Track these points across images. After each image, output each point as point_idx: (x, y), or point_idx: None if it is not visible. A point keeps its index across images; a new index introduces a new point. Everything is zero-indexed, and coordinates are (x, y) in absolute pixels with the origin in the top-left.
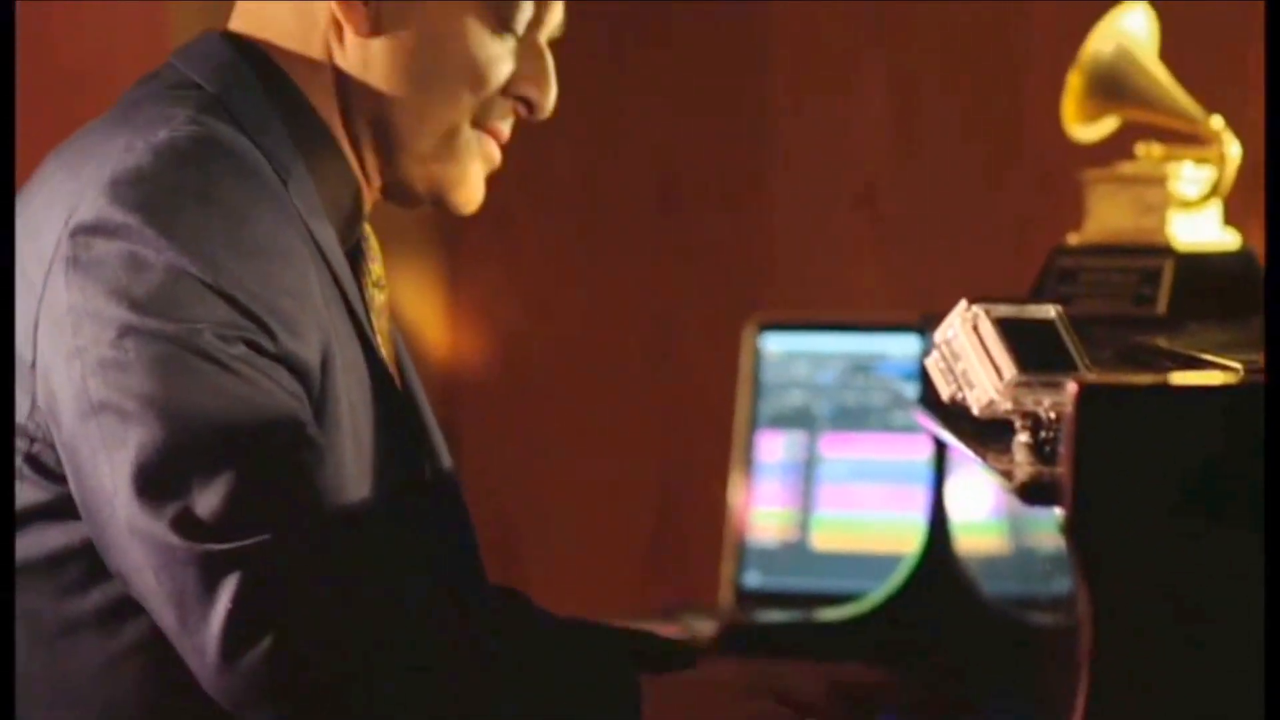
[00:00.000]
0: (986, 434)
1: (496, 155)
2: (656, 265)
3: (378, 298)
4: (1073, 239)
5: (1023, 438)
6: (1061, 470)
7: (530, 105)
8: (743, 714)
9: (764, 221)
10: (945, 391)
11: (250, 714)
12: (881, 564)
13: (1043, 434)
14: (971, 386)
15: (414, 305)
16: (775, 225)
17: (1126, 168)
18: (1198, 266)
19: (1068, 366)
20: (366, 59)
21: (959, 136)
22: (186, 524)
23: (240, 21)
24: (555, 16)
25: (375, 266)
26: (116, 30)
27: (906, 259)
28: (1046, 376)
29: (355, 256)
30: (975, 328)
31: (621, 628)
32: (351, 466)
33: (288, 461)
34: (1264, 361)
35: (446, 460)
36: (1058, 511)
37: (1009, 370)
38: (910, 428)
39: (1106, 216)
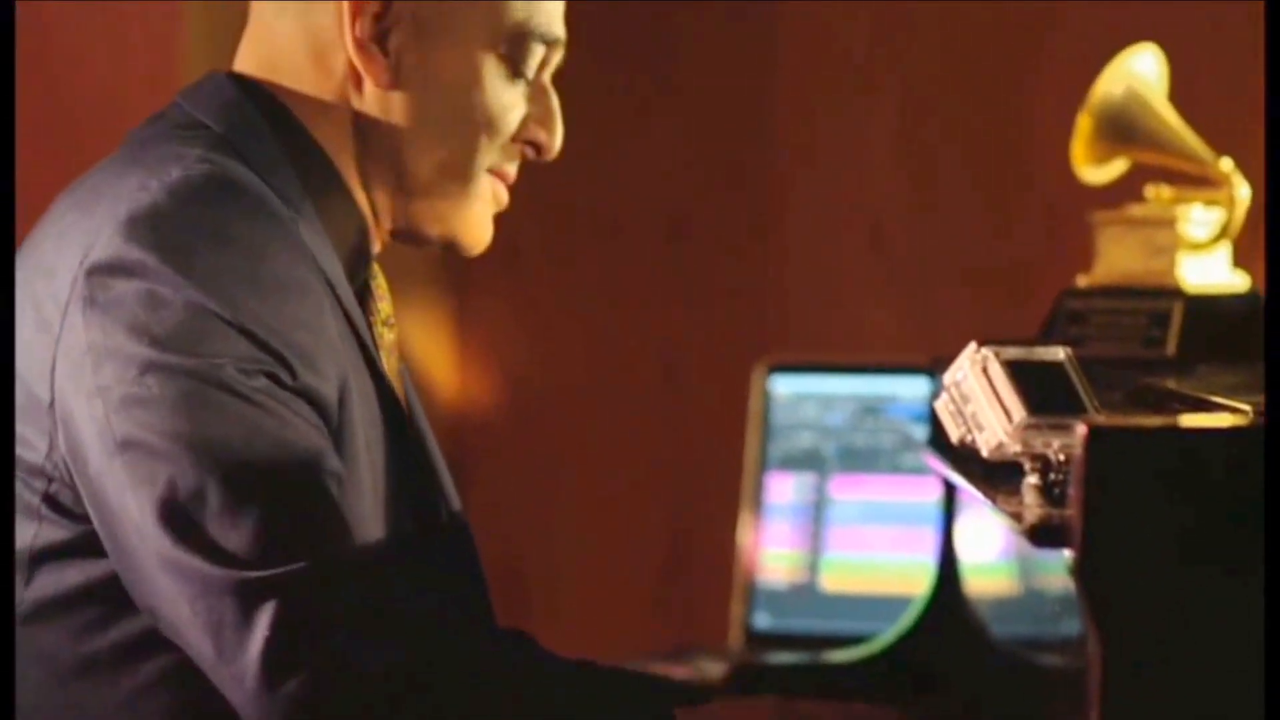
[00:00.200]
0: (996, 476)
1: (504, 196)
2: (665, 306)
3: (386, 336)
4: (1082, 281)
5: (1032, 480)
6: (1071, 512)
7: (538, 147)
8: None
9: (773, 263)
10: (954, 434)
11: None
12: (891, 606)
13: (1052, 476)
14: (981, 429)
15: (422, 344)
16: (784, 267)
17: (1136, 210)
18: (1207, 308)
19: (1077, 409)
20: (386, 108)
21: (968, 178)
22: (221, 554)
23: (248, 63)
24: (558, 57)
25: (384, 305)
26: (124, 68)
27: (916, 300)
28: (1056, 419)
29: (363, 295)
30: (984, 370)
31: (632, 670)
32: (369, 500)
33: (315, 491)
34: (1266, 393)
35: (455, 499)
36: (1067, 553)
37: (1018, 413)
38: (919, 470)
39: (1116, 258)
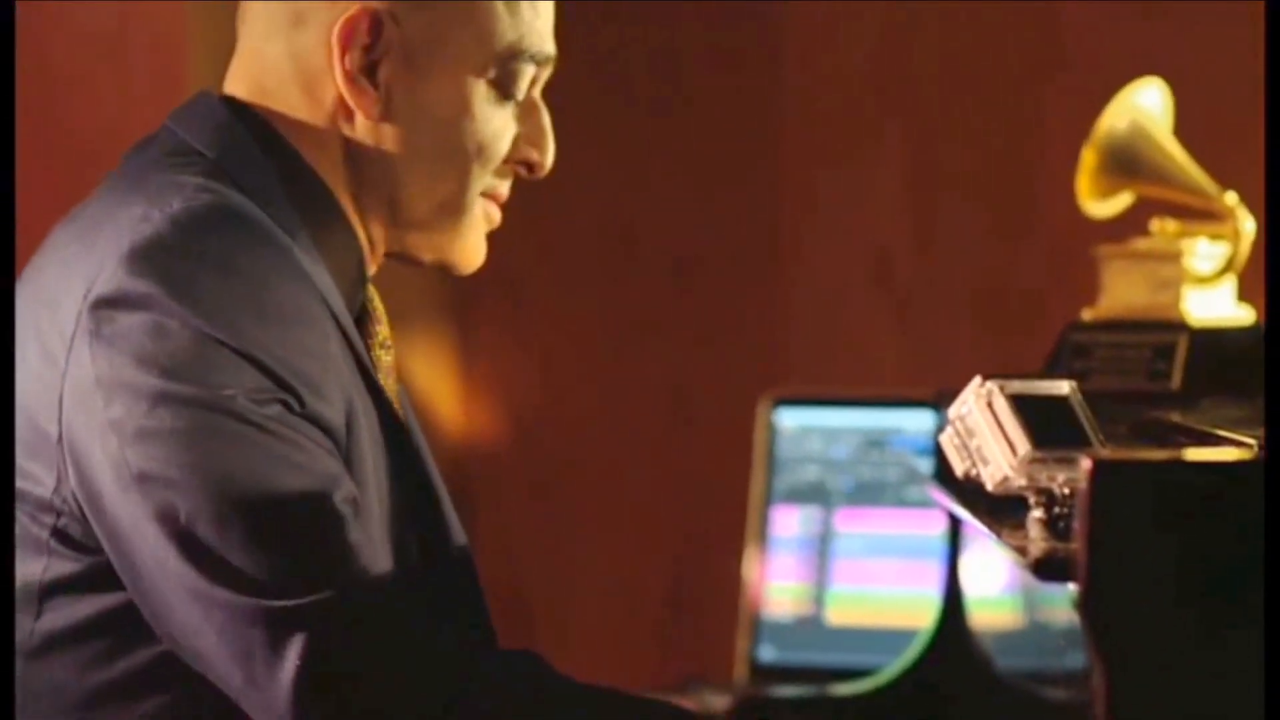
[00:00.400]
0: (1001, 509)
1: (497, 216)
2: (671, 338)
3: (384, 359)
4: (1087, 315)
5: (1037, 513)
6: (1075, 546)
7: (530, 166)
8: None
9: (779, 296)
10: (960, 468)
11: None
12: (896, 639)
13: (1057, 510)
14: (986, 463)
15: (427, 376)
16: (790, 300)
17: (1141, 243)
18: (1212, 342)
19: (1082, 442)
20: (378, 139)
21: (973, 212)
22: (247, 583)
23: (239, 86)
24: (548, 72)
25: (381, 328)
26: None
27: (921, 334)
28: (1060, 453)
29: (361, 319)
30: (989, 404)
31: (644, 696)
32: (377, 522)
33: (335, 516)
34: (1265, 427)
35: (456, 523)
36: (1072, 587)
37: (1023, 446)
38: (925, 503)
39: (1121, 292)
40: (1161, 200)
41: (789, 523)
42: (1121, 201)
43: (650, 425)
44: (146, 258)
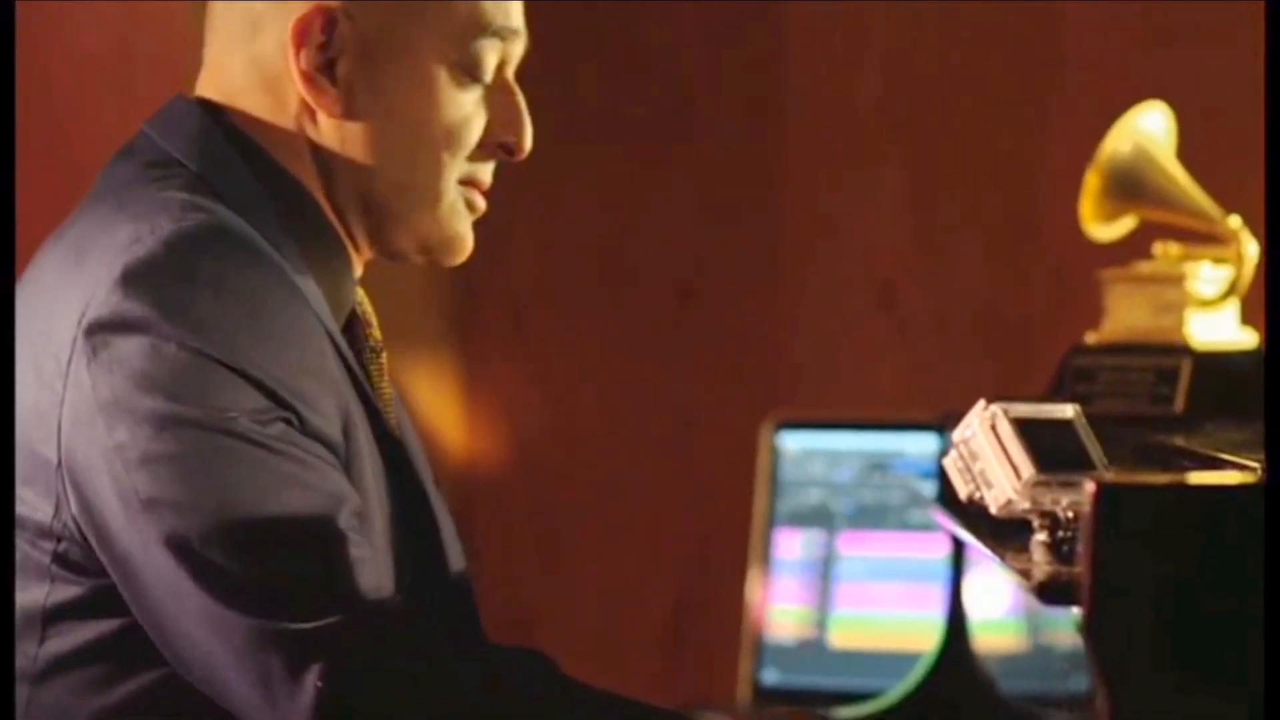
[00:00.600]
0: (1004, 533)
1: (480, 203)
2: (674, 362)
3: (376, 361)
4: (1090, 338)
5: (1041, 537)
6: (1079, 569)
7: (508, 149)
8: None
9: (782, 319)
10: (963, 491)
11: None
12: (899, 662)
13: (1061, 533)
14: (990, 486)
15: (431, 401)
16: (793, 323)
17: (1144, 267)
18: (1215, 366)
19: (1085, 466)
20: (343, 138)
21: (976, 236)
22: (264, 606)
23: (209, 88)
24: (519, 50)
25: (372, 331)
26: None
27: (924, 357)
28: (1064, 476)
29: (350, 323)
30: (993, 427)
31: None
32: (379, 532)
33: (346, 533)
34: (1265, 450)
35: (451, 534)
36: (1075, 610)
37: (1027, 470)
38: (928, 526)
39: (1124, 315)
40: (1165, 224)
41: (792, 545)
42: (1125, 225)
43: (653, 448)
44: (140, 280)
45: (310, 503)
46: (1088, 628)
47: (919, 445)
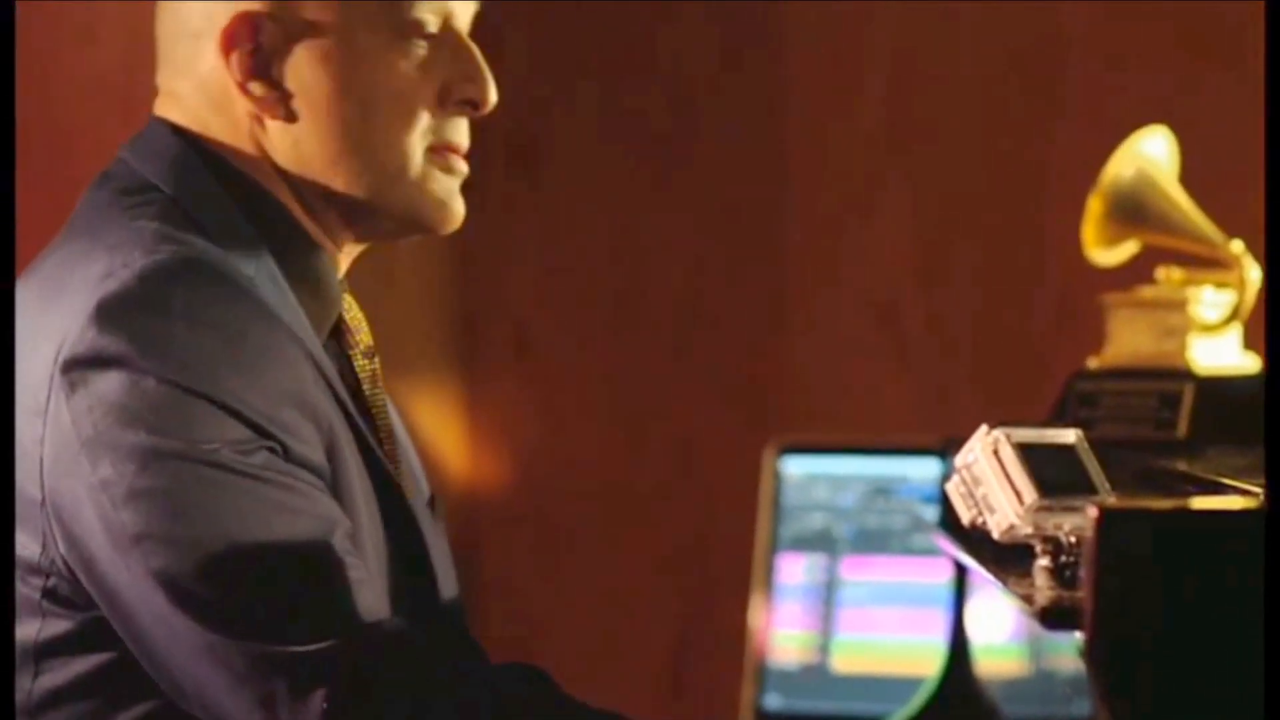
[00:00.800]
0: (1007, 557)
1: (459, 165)
2: (677, 387)
3: (367, 367)
4: (1093, 363)
5: (1043, 562)
6: (1082, 595)
7: (473, 104)
8: None
9: (785, 345)
10: (966, 516)
11: None
12: (902, 687)
13: (1063, 558)
14: (992, 511)
15: (433, 425)
16: (796, 349)
17: (1147, 292)
18: (1218, 390)
19: (1088, 491)
20: (295, 137)
21: (979, 261)
22: (263, 632)
23: (169, 111)
24: (466, 8)
25: (362, 336)
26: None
27: (927, 382)
28: (1067, 501)
29: (338, 329)
30: (996, 452)
31: None
32: (372, 554)
33: (339, 555)
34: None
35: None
36: (1078, 635)
37: (1029, 495)
38: (931, 551)
39: (1127, 340)
40: (1167, 248)
41: (795, 570)
42: (1127, 250)
43: (656, 472)
44: (115, 316)
45: (300, 527)
46: (1090, 653)
47: (922, 470)
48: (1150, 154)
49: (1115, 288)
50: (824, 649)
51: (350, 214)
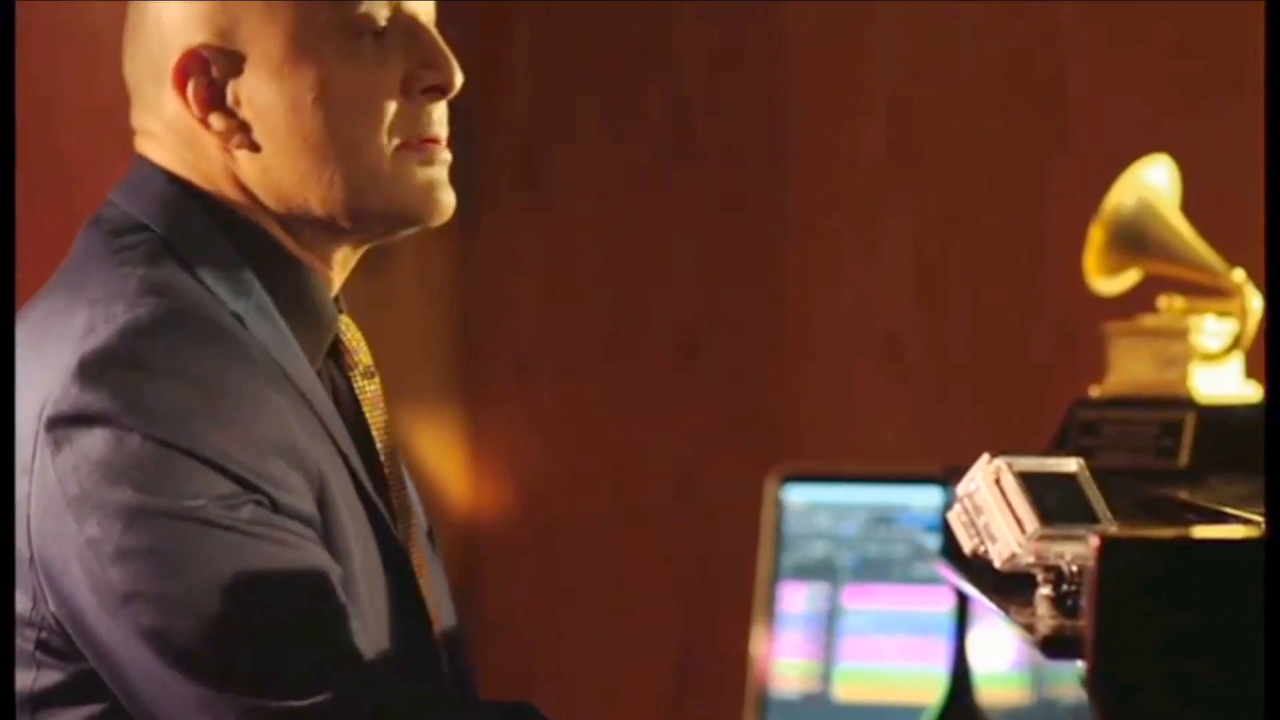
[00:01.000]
0: (1008, 586)
1: (440, 154)
2: (679, 416)
3: (368, 388)
4: (1094, 391)
5: (1045, 590)
6: (1084, 623)
7: (440, 88)
8: None
9: (786, 373)
10: (967, 545)
11: None
12: (904, 715)
13: (1065, 587)
14: (994, 540)
15: (433, 454)
16: (797, 377)
17: (1148, 320)
18: (1220, 419)
19: (1090, 520)
20: (264, 163)
21: (981, 289)
22: (258, 687)
23: (148, 149)
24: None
25: (361, 356)
26: None
27: (928, 411)
28: (1068, 530)
29: (335, 352)
30: (997, 481)
31: None
32: (365, 598)
33: (332, 606)
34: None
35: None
36: (1080, 664)
37: (1031, 523)
38: (932, 579)
39: (1128, 369)
40: (1169, 277)
41: (796, 599)
42: (1129, 278)
43: (657, 501)
44: (97, 373)
45: (291, 580)
46: (1091, 681)
47: (923, 499)
48: (1152, 183)
49: (1117, 316)
50: (826, 677)
51: (333, 227)
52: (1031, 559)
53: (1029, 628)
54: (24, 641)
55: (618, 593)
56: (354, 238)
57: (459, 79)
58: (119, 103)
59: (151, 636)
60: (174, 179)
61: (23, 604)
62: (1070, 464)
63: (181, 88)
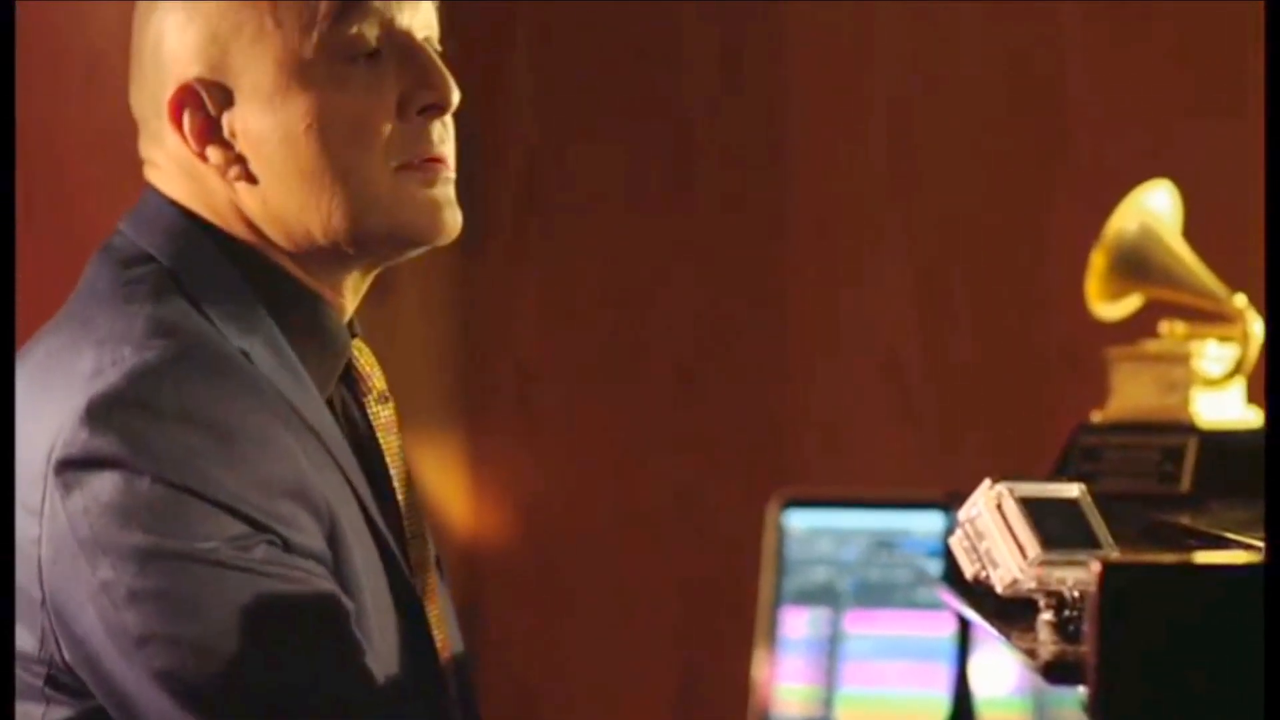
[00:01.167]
0: (1010, 611)
1: (441, 173)
2: (680, 441)
3: (382, 414)
4: (1096, 417)
5: (1046, 616)
6: (1085, 649)
7: (437, 107)
8: None
9: (788, 397)
10: (969, 571)
11: None
12: None
13: (1066, 612)
14: (995, 565)
15: (435, 477)
16: (799, 401)
17: (1150, 345)
18: (1221, 445)
19: (1091, 545)
20: (264, 195)
21: (982, 314)
22: None
23: (155, 179)
24: (410, 9)
25: (376, 381)
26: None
27: (930, 436)
28: (1070, 555)
29: (348, 377)
30: (999, 506)
31: None
32: (376, 633)
33: (346, 644)
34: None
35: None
36: (1081, 690)
37: (1033, 549)
38: (934, 604)
39: (1130, 394)
40: (1170, 302)
41: (798, 624)
42: (1131, 303)
43: (659, 525)
44: (105, 417)
45: (305, 620)
46: (1093, 707)
47: (925, 524)
48: (1153, 208)
49: (1119, 341)
50: (827, 703)
51: (338, 254)
52: (1033, 584)
53: (1031, 653)
54: (32, 677)
55: (619, 616)
56: (361, 263)
57: (455, 96)
58: (119, 124)
59: (167, 678)
60: (181, 210)
61: (29, 642)
62: (1072, 489)
63: (178, 122)
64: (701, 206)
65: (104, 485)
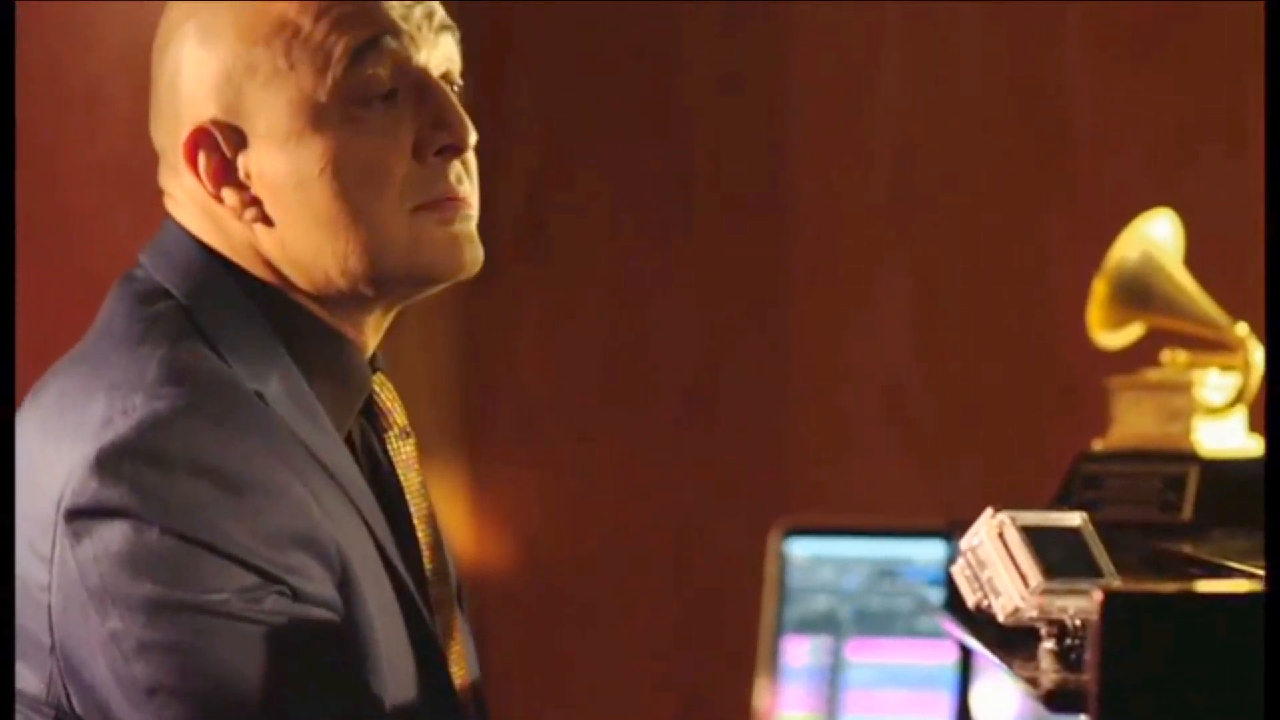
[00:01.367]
0: (1012, 640)
1: (460, 211)
2: (681, 469)
3: (403, 450)
4: (1098, 445)
5: (1048, 644)
6: (1087, 678)
7: (453, 148)
8: None
9: (790, 426)
10: (971, 599)
11: None
12: None
13: (1068, 641)
14: (997, 594)
15: (439, 504)
16: (801, 430)
17: (1152, 374)
18: (1223, 473)
19: (1093, 574)
20: (281, 236)
21: (983, 342)
22: None
23: (175, 212)
24: (428, 44)
25: (397, 416)
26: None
27: (932, 464)
28: (1072, 584)
29: (369, 412)
30: (1001, 535)
31: None
32: (389, 675)
33: (358, 693)
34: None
35: (472, 659)
36: (1083, 718)
37: (1034, 578)
38: (936, 633)
39: (1132, 423)
40: (1172, 331)
41: (800, 653)
42: (1132, 332)
43: (661, 554)
44: (115, 467)
45: (316, 670)
46: None
47: (927, 552)
48: (1155, 237)
49: (1120, 370)
50: None
51: (356, 296)
52: (1035, 613)
53: (1032, 681)
54: (40, 718)
55: (620, 645)
56: (382, 303)
57: (472, 137)
58: (121, 155)
59: None
60: (200, 246)
61: (36, 686)
62: (1074, 518)
63: (193, 163)
64: (704, 234)
65: (114, 535)
